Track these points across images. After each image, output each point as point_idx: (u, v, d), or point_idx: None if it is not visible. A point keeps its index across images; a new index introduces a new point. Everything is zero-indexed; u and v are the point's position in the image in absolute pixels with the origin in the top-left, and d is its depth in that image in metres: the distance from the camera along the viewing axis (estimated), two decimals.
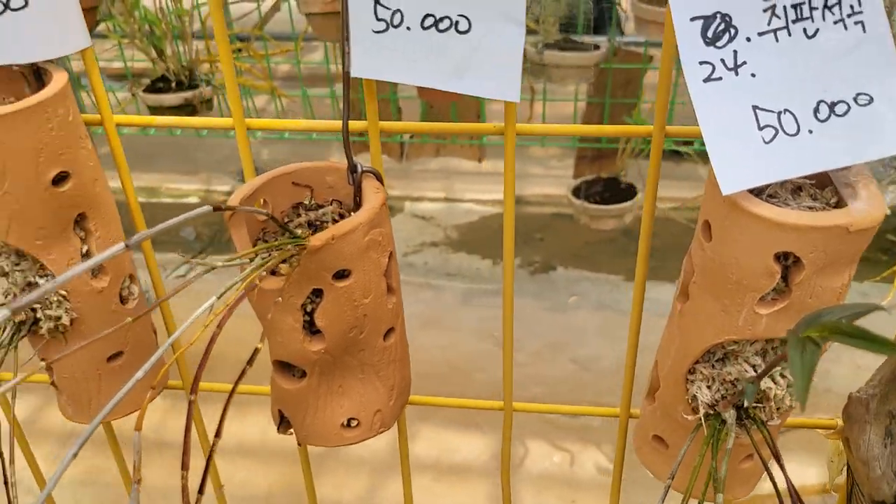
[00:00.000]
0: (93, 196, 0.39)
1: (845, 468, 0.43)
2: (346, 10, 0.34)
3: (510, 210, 0.39)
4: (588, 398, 1.43)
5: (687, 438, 0.38)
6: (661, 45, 0.40)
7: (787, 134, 0.29)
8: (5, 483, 0.41)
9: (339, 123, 0.38)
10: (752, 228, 0.30)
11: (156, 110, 1.13)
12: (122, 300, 0.42)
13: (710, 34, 0.29)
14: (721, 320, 0.34)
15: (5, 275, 0.40)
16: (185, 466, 0.31)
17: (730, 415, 0.36)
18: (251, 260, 0.36)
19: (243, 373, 0.33)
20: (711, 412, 0.36)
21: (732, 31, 0.29)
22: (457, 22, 0.33)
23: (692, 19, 0.28)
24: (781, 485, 0.34)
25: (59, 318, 0.40)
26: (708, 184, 0.33)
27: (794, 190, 0.33)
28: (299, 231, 0.38)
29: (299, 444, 0.43)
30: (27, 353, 0.42)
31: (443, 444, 1.36)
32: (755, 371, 0.35)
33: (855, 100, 0.29)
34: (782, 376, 0.35)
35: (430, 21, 0.33)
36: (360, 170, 0.38)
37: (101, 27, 1.19)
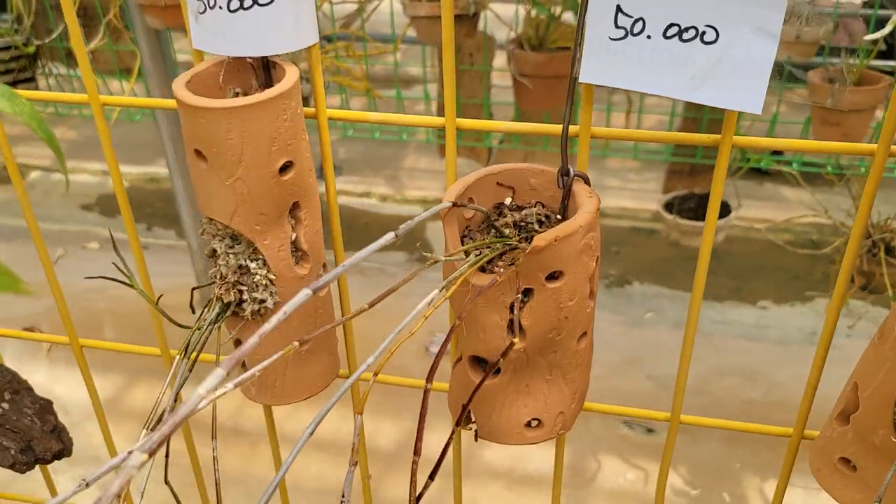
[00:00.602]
0: (307, 186, 0.40)
1: None
2: (584, 16, 0.35)
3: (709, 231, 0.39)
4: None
5: (882, 462, 0.38)
6: None
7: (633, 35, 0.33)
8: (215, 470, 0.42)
9: (552, 127, 0.39)
10: None
11: None
12: (315, 290, 0.43)
13: None
14: None
15: (215, 256, 0.42)
16: (417, 452, 0.32)
17: None
18: (466, 255, 0.37)
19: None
20: None
21: None
22: (703, 32, 0.33)
23: None
24: None
25: (263, 301, 0.41)
26: None
27: None
28: (506, 231, 0.39)
29: (476, 440, 0.43)
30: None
31: (516, 452, 1.36)
32: None
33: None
34: None
35: (674, 30, 0.33)
36: (572, 174, 0.38)
37: None
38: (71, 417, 1.27)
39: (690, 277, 1.73)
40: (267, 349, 0.43)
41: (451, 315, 0.47)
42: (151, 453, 0.22)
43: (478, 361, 0.41)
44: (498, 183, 0.40)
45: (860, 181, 1.16)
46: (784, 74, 1.23)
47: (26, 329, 1.51)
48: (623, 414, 0.49)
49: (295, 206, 0.41)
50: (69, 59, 1.39)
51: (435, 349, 1.47)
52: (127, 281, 0.39)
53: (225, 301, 0.41)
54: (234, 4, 0.36)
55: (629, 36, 0.34)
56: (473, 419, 0.43)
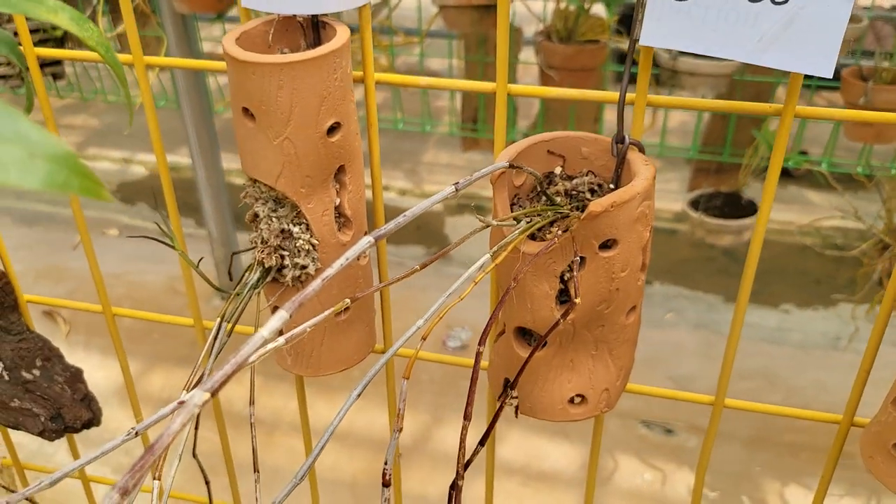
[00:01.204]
0: (353, 150, 0.40)
1: None
2: None
3: (760, 230, 0.38)
4: (683, 417, 1.40)
5: None
6: None
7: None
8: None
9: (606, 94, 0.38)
10: None
11: None
12: (357, 256, 0.42)
13: None
14: None
15: (256, 220, 0.41)
16: (467, 417, 0.31)
17: None
18: (518, 222, 0.36)
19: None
20: None
21: None
22: None
23: None
24: None
25: (305, 266, 0.40)
26: None
27: None
28: (557, 199, 0.38)
29: (517, 416, 0.42)
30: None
31: (532, 449, 1.35)
32: None
33: None
34: None
35: None
36: (627, 141, 0.37)
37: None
38: None
39: (712, 279, 1.72)
40: (305, 317, 0.42)
41: (492, 293, 0.46)
42: (214, 392, 0.21)
43: (522, 334, 0.40)
44: (549, 151, 0.39)
45: (892, 183, 1.14)
46: None
47: (45, 313, 1.52)
48: (664, 396, 0.48)
49: (340, 171, 0.40)
50: None
51: (452, 343, 1.45)
52: (170, 243, 0.39)
53: (266, 265, 0.40)
54: None
55: None
56: (515, 394, 0.42)
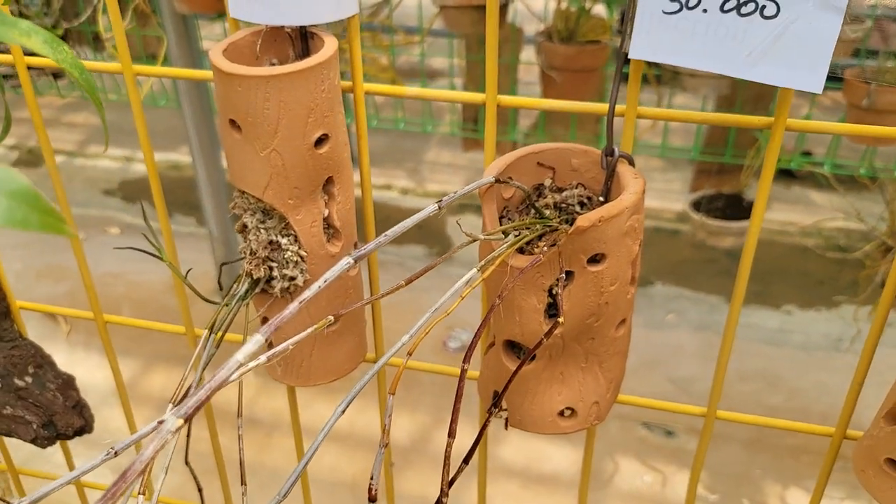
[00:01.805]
0: (341, 161, 0.39)
1: None
2: None
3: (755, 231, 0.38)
4: (684, 419, 1.39)
5: None
6: None
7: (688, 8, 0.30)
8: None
9: (597, 106, 0.38)
10: None
11: None
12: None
13: None
14: None
15: (245, 231, 0.41)
16: (451, 434, 0.31)
17: None
18: (506, 235, 0.36)
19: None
20: None
21: None
22: (763, 6, 0.31)
23: None
24: None
25: (293, 278, 0.40)
26: None
27: None
28: (547, 212, 0.38)
29: (507, 428, 0.42)
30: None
31: (532, 452, 1.34)
32: None
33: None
34: None
35: (732, 4, 0.32)
36: (616, 154, 0.37)
37: None
38: (88, 401, 1.27)
39: (713, 280, 1.71)
40: (296, 328, 0.42)
41: (483, 301, 0.46)
42: (187, 418, 0.21)
43: (511, 347, 0.40)
44: (539, 163, 0.39)
45: (895, 185, 1.14)
46: None
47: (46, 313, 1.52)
48: (654, 407, 0.47)
49: (328, 182, 0.40)
50: (96, 42, 1.40)
51: (453, 344, 1.45)
52: (157, 254, 0.39)
53: (254, 277, 0.40)
54: None
55: (684, 10, 0.33)
56: (504, 407, 0.41)
